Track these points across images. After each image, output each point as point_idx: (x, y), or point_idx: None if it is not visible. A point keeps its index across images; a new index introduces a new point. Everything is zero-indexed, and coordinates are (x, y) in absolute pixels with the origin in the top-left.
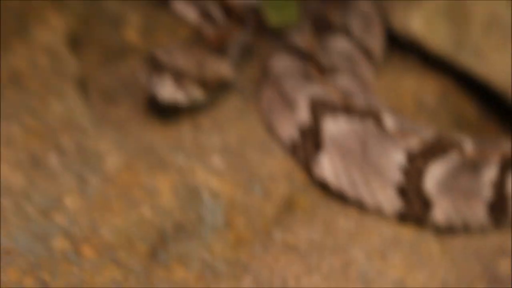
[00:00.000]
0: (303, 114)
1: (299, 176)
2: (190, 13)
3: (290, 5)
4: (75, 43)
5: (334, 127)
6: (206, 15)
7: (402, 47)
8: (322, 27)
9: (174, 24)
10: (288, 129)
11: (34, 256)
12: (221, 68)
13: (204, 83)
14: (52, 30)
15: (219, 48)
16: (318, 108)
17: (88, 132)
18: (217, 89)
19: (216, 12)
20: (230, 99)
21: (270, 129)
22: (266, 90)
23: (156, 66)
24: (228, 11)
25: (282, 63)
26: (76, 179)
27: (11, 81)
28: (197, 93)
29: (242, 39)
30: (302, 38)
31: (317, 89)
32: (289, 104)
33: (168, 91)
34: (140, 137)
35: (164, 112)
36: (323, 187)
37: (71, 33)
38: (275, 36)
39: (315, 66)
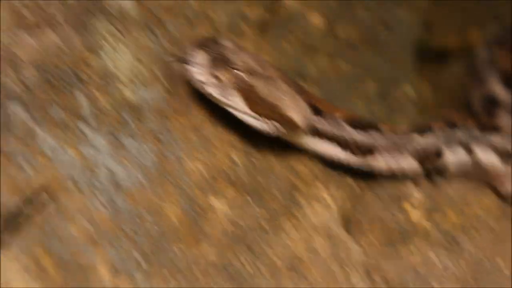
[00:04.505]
0: None
1: None
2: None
3: None
4: (349, 222)
5: None
6: None
7: None
8: None
9: (463, 200)
10: None
11: None
12: (291, 108)
13: (249, 97)
14: (325, 208)
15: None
16: None
17: None
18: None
19: None
20: None
21: None
22: None
23: (201, 44)
24: None
25: None
26: None
27: (289, 268)
28: (237, 101)
29: None
30: None
31: None
32: None
33: (198, 70)
34: None
35: None
36: None
37: (345, 211)
38: None
39: None
